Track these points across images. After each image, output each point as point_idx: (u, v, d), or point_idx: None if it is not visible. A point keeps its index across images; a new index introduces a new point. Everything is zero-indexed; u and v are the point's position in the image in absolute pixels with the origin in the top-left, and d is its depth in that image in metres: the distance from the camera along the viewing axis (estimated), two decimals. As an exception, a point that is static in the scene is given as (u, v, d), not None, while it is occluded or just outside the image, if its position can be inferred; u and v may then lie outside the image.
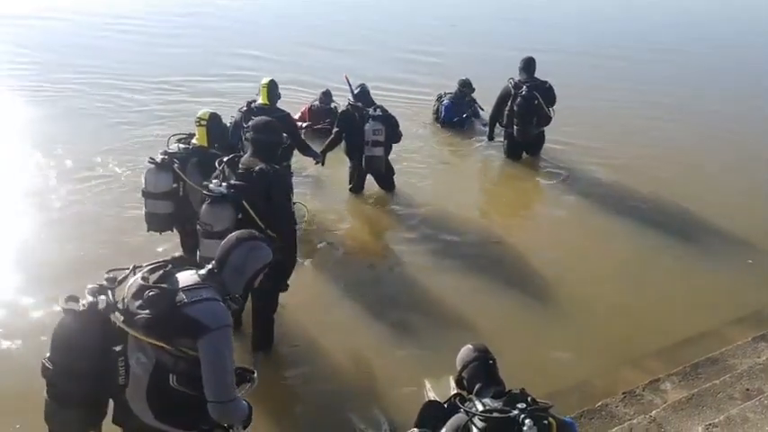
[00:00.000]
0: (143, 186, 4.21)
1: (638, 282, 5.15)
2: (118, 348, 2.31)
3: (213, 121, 4.37)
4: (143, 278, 2.30)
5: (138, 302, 2.25)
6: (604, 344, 4.34)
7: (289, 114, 5.65)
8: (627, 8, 19.05)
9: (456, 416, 2.37)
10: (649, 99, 10.27)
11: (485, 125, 8.08)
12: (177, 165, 4.12)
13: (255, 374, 2.48)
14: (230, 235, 2.54)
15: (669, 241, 5.82)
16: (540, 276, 5.13)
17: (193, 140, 4.37)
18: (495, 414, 2.27)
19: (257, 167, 3.60)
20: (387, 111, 6.06)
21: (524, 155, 7.49)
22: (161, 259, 2.42)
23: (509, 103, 7.06)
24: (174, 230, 4.42)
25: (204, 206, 3.54)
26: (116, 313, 2.28)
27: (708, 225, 6.13)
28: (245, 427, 2.46)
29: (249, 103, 5.39)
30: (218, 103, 7.98)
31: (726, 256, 5.58)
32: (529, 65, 7.01)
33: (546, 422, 2.23)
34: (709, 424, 3.39)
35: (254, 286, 2.52)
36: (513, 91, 7.01)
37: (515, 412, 2.23)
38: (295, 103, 7.79)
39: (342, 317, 4.57)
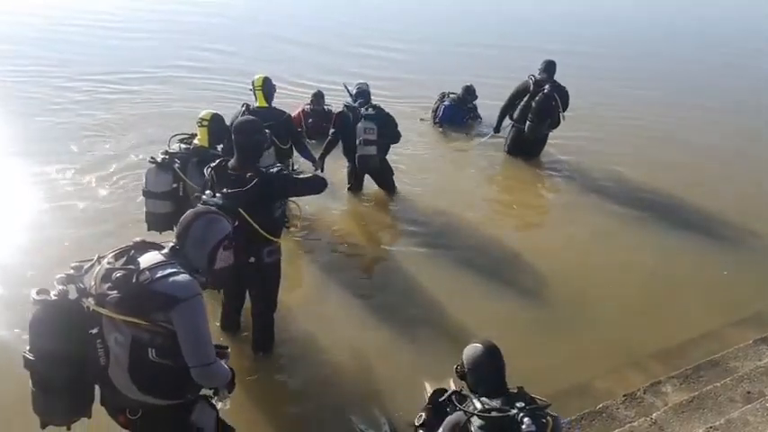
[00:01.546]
0: (143, 186, 4.22)
1: (638, 283, 5.14)
2: (94, 331, 2.38)
3: (215, 122, 4.38)
4: (108, 263, 2.38)
5: (108, 285, 2.32)
6: (605, 346, 4.32)
7: (290, 116, 5.65)
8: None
9: (454, 414, 2.37)
10: (644, 95, 10.37)
11: (485, 132, 8.13)
12: (178, 165, 4.13)
13: (228, 349, 2.59)
14: (188, 212, 2.61)
15: (670, 242, 5.82)
16: (541, 278, 5.12)
17: (195, 141, 4.38)
18: (493, 413, 2.26)
19: (248, 174, 3.48)
20: (383, 110, 6.04)
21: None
22: (124, 245, 2.48)
23: (526, 99, 7.09)
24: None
25: None
26: (88, 298, 2.36)
27: (708, 227, 6.14)
28: (229, 392, 2.59)
29: (247, 106, 5.36)
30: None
31: (726, 258, 5.57)
32: (549, 67, 7.07)
33: (544, 420, 2.23)
34: (710, 427, 3.38)
35: (215, 260, 2.56)
36: (532, 87, 7.03)
37: (514, 411, 2.22)
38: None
39: (341, 318, 4.56)
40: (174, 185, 4.15)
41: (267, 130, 4.15)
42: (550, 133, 7.41)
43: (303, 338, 4.27)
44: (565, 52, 10.71)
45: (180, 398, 2.48)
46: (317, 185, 3.81)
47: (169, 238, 2.61)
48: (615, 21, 18.96)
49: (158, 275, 2.31)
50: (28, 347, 2.36)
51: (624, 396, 3.73)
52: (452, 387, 3.40)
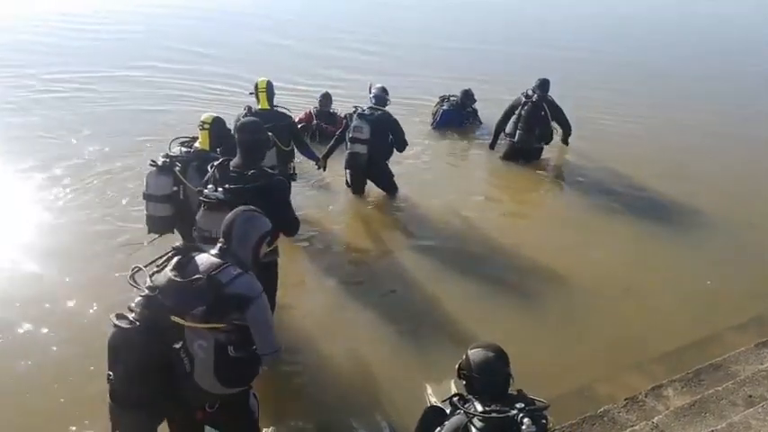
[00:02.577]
0: (144, 189, 4.22)
1: (639, 287, 5.13)
2: (178, 345, 2.51)
3: (216, 125, 4.38)
4: (174, 275, 2.46)
5: (186, 296, 2.43)
6: (606, 349, 4.31)
7: (292, 118, 5.68)
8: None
9: (455, 416, 2.37)
10: (647, 100, 10.38)
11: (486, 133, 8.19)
12: (178, 168, 4.13)
13: None
14: (230, 212, 2.70)
15: (671, 246, 5.82)
16: (542, 280, 5.11)
17: (196, 144, 4.38)
18: (494, 414, 2.26)
19: (250, 172, 3.51)
20: (386, 114, 6.10)
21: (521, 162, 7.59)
22: (166, 252, 2.58)
23: (517, 111, 7.32)
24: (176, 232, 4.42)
25: (201, 212, 3.51)
26: (168, 315, 2.44)
27: (710, 230, 6.12)
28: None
29: (249, 108, 5.39)
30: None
31: (728, 261, 5.56)
32: (543, 84, 7.29)
33: (543, 421, 2.23)
34: (712, 430, 3.36)
35: (260, 256, 2.69)
36: (523, 100, 7.28)
37: (514, 412, 2.23)
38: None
39: (342, 320, 4.56)
40: (175, 188, 4.13)
41: (270, 133, 4.17)
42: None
43: (302, 340, 4.27)
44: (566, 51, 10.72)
45: (247, 383, 2.71)
46: (292, 226, 3.75)
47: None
48: (612, 18, 19.11)
49: (227, 279, 2.44)
50: (111, 373, 2.46)
51: (626, 400, 3.72)
52: (453, 388, 3.41)
